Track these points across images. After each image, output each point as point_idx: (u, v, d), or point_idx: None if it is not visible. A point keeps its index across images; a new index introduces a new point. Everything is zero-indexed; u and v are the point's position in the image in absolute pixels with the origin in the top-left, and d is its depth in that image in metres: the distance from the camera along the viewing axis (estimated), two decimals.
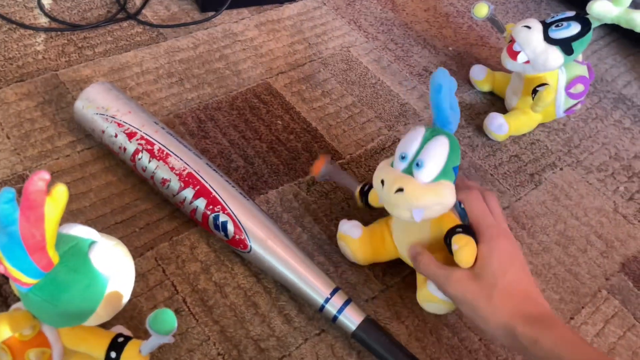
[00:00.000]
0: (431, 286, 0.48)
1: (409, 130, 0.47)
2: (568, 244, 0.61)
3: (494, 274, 0.44)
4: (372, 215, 0.56)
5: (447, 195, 0.45)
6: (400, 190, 0.45)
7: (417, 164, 0.45)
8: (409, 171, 0.45)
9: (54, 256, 0.35)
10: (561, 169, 0.69)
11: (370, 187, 0.54)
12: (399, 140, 0.48)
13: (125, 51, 0.69)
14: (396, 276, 0.55)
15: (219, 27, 0.76)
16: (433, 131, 0.46)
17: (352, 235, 0.53)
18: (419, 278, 0.51)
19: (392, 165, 0.47)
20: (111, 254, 0.39)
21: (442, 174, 0.45)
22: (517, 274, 0.45)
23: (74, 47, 0.68)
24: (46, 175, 0.32)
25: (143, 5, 0.75)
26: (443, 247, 0.47)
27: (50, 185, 0.33)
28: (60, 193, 0.33)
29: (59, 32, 0.69)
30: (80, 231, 0.38)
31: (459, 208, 0.48)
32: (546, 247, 0.60)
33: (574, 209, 0.64)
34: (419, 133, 0.46)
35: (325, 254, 0.55)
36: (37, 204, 0.32)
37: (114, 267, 0.39)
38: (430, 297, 0.49)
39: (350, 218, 0.55)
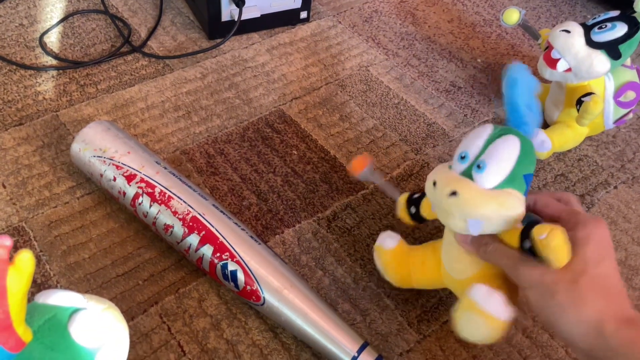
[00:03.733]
0: (477, 292, 0.38)
1: (474, 129, 0.41)
2: (632, 275, 0.53)
3: (586, 261, 0.36)
4: (419, 235, 0.49)
5: (514, 207, 0.37)
6: (454, 194, 0.37)
7: (478, 166, 0.37)
8: (468, 174, 0.38)
9: (24, 334, 0.30)
10: (615, 187, 0.60)
11: (422, 195, 0.47)
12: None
13: (129, 86, 0.65)
14: (434, 323, 0.48)
15: (227, 54, 0.71)
16: (503, 130, 0.38)
17: (384, 246, 0.47)
18: (460, 287, 0.43)
19: (450, 168, 0.40)
20: (97, 323, 0.34)
21: (509, 181, 0.37)
22: (611, 267, 0.37)
23: (75, 86, 0.65)
24: (7, 242, 0.27)
25: (148, 37, 0.72)
26: (502, 276, 0.40)
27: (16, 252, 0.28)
28: (25, 261, 0.28)
29: (60, 71, 0.66)
30: (60, 299, 0.33)
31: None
32: None
33: (635, 233, 0.56)
34: (485, 131, 0.39)
35: (351, 300, 0.49)
36: None
37: (101, 337, 0.33)
38: (470, 306, 0.38)
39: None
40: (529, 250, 0.37)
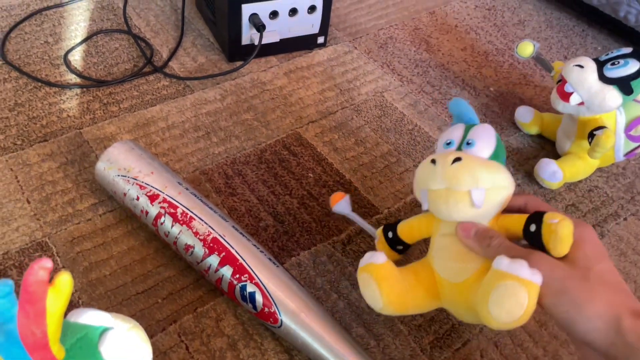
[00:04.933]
0: (502, 262, 0.36)
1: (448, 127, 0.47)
2: None
3: (588, 258, 0.37)
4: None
5: (504, 177, 0.41)
6: (458, 159, 0.40)
7: (468, 143, 0.42)
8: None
9: (58, 352, 0.31)
10: (625, 219, 0.61)
11: (397, 221, 0.49)
12: None
13: (151, 106, 0.67)
14: (446, 349, 0.48)
15: (246, 76, 0.73)
16: (473, 125, 0.45)
17: (375, 261, 0.43)
18: (458, 293, 0.43)
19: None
20: (125, 342, 0.35)
21: (495, 157, 0.42)
22: (611, 264, 0.38)
23: (99, 104, 0.66)
24: (48, 264, 0.29)
25: (170, 58, 0.74)
26: None
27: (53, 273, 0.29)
28: (64, 283, 0.29)
29: (84, 89, 0.68)
30: (90, 318, 0.34)
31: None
32: None
33: None
34: (460, 125, 0.45)
35: (365, 324, 0.49)
36: (37, 298, 0.28)
37: (127, 356, 0.35)
38: (501, 276, 0.36)
39: None
40: (531, 236, 0.38)
